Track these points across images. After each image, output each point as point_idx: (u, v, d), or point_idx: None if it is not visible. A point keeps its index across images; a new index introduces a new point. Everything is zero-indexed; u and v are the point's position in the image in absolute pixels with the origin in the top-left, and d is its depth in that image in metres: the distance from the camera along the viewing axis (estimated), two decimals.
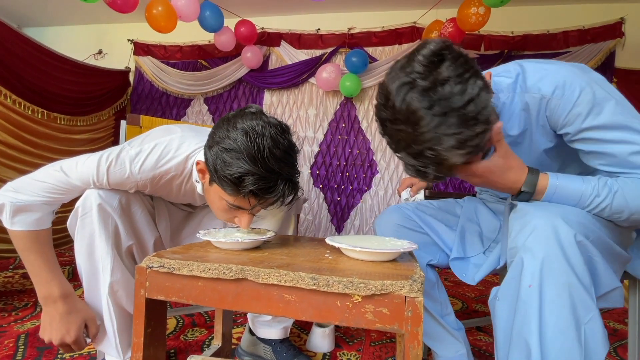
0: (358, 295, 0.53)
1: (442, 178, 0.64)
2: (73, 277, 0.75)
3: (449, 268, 0.93)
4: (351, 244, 0.66)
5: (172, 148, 0.81)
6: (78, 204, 0.80)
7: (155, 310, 0.66)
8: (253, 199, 0.70)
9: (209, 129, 0.77)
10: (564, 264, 0.56)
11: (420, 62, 0.56)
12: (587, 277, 0.56)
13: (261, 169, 0.66)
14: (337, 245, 0.67)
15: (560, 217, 0.59)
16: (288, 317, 0.58)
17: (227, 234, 0.77)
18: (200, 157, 0.77)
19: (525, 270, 0.58)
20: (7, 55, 1.92)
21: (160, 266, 0.61)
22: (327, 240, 0.70)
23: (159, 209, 0.97)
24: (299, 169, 0.75)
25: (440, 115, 0.55)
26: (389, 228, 0.97)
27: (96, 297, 0.85)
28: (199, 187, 0.83)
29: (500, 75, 0.74)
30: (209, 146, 0.71)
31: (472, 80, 0.55)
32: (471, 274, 0.88)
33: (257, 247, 0.75)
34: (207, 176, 0.74)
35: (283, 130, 0.71)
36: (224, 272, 0.58)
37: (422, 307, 0.52)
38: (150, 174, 0.81)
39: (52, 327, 0.80)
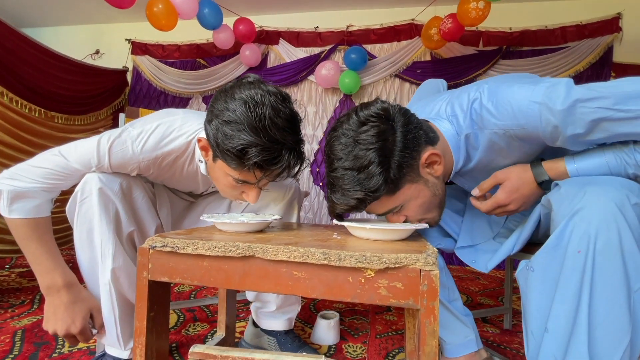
0: (371, 269, 0.52)
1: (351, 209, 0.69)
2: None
3: (454, 254, 0.91)
4: (360, 224, 0.64)
5: (175, 128, 0.79)
6: (77, 188, 0.77)
7: (158, 294, 0.64)
8: (258, 171, 0.68)
9: None
10: (619, 227, 0.53)
11: (353, 121, 0.67)
12: None
13: (264, 139, 0.64)
14: (346, 224, 0.65)
15: (612, 183, 0.56)
16: (297, 295, 0.56)
17: (232, 218, 0.75)
18: (202, 135, 0.75)
19: (574, 235, 0.55)
20: (5, 53, 1.90)
21: (164, 245, 0.59)
22: (335, 221, 0.68)
23: (160, 196, 0.95)
24: (303, 138, 0.73)
25: (343, 169, 0.67)
26: None
27: (97, 287, 0.82)
28: (202, 167, 0.81)
29: (456, 116, 0.74)
30: (208, 120, 0.69)
31: (372, 152, 0.64)
32: (483, 261, 0.86)
33: (262, 231, 0.73)
34: (210, 153, 0.72)
35: (283, 98, 0.69)
36: (230, 250, 0.56)
37: (438, 280, 0.50)
38: (152, 154, 0.79)
39: (57, 317, 0.77)
